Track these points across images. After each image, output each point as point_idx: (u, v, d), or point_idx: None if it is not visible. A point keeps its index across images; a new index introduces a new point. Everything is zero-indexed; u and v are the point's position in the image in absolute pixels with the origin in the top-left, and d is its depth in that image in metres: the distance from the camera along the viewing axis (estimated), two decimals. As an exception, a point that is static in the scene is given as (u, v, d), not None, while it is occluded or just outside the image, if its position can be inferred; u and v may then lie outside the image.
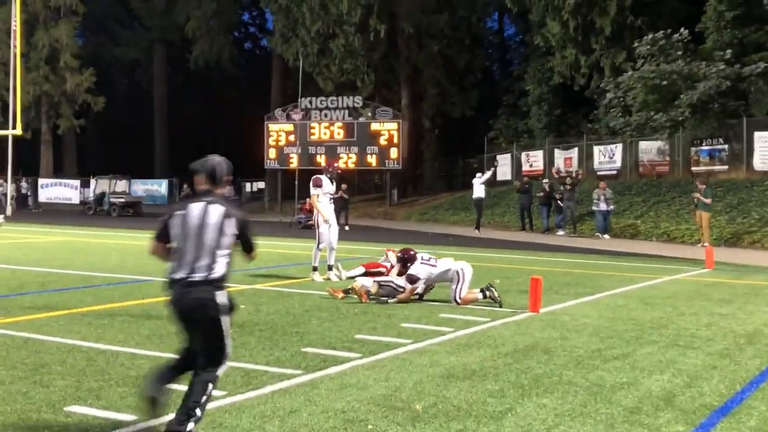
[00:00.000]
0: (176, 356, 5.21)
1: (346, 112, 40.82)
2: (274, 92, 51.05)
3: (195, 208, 4.91)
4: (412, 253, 11.29)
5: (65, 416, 5.22)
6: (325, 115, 41.16)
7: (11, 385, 5.91)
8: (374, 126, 40.42)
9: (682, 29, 28.19)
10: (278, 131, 41.96)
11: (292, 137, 41.49)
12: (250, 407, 5.50)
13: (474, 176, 28.82)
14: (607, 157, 32.84)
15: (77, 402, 5.53)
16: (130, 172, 46.06)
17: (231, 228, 4.92)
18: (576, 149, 34.83)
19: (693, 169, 28.94)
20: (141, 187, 43.17)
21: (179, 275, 4.87)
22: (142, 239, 22.12)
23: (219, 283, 4.90)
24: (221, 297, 4.90)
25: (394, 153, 40.29)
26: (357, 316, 9.34)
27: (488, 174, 28.16)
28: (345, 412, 5.44)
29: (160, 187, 43.29)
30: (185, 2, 52.09)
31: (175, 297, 4.89)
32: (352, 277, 12.09)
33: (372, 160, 40.44)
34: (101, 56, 58.54)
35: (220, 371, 5.02)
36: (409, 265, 10.96)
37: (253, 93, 61.83)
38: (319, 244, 13.04)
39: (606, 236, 24.78)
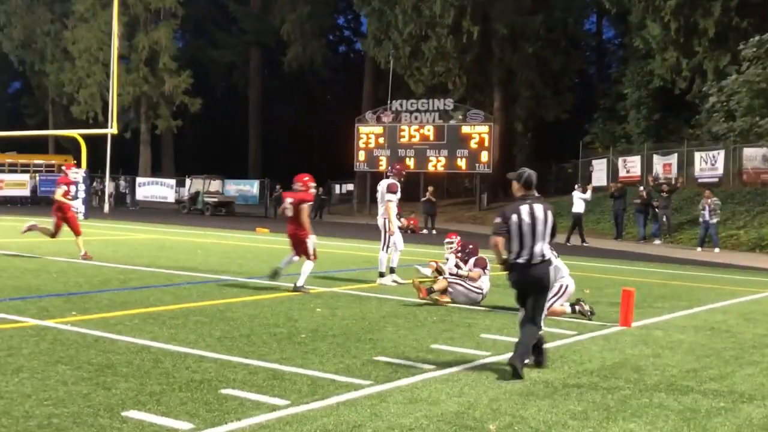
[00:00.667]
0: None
1: (437, 114, 40.38)
2: (366, 95, 51.04)
3: (526, 208, 6.78)
4: (471, 247, 11.17)
5: (121, 421, 5.01)
6: (416, 118, 40.81)
7: (73, 386, 5.77)
8: (465, 129, 39.84)
9: (791, 30, 26.73)
10: (368, 134, 41.83)
11: (381, 140, 41.33)
12: (313, 419, 5.19)
13: (572, 185, 27.84)
14: (709, 163, 31.43)
15: (136, 406, 5.33)
16: (225, 172, 46.91)
17: (551, 218, 6.85)
18: (675, 155, 33.49)
19: (801, 177, 27.43)
20: (234, 188, 43.71)
21: (523, 259, 6.79)
22: (229, 238, 22.32)
23: (549, 263, 6.92)
24: (551, 273, 6.97)
25: (484, 156, 39.62)
26: (435, 324, 8.95)
27: (589, 194, 26.62)
28: (412, 429, 5.06)
29: (252, 187, 43.76)
30: (281, 5, 52.62)
31: (521, 275, 6.84)
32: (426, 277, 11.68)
33: (462, 163, 39.87)
34: (199, 58, 59.77)
35: (541, 323, 6.94)
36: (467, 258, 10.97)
37: (347, 96, 62.17)
38: (386, 247, 12.66)
39: (715, 249, 23.18)
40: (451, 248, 11.59)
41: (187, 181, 43.29)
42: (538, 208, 6.82)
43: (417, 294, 10.37)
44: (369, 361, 6.92)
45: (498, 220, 6.92)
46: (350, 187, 45.73)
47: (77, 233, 15.12)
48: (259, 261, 15.18)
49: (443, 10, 40.50)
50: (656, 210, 26.47)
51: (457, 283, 10.54)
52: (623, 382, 6.52)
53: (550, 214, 6.88)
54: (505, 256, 6.92)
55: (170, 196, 44.90)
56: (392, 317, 9.32)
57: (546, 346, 7.94)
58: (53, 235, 15.32)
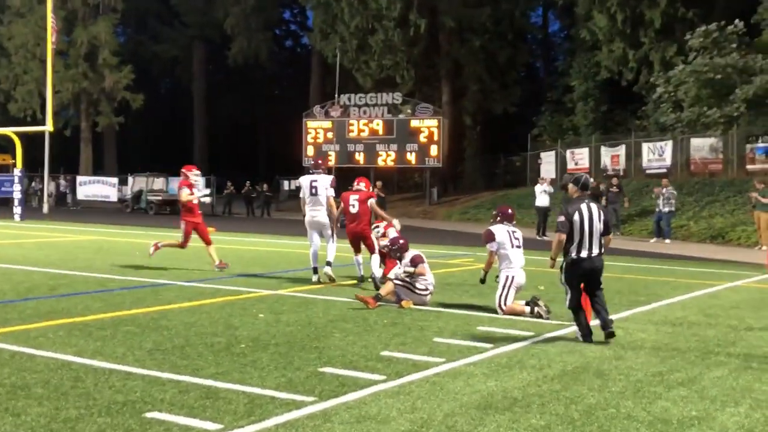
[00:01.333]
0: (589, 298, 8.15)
1: (386, 108, 39.86)
2: (314, 90, 50.37)
3: (585, 207, 7.93)
4: (402, 242, 10.79)
5: (26, 457, 4.38)
6: (364, 112, 40.24)
7: (-24, 414, 5.11)
8: (414, 123, 39.41)
9: (736, 21, 26.78)
10: (317, 128, 41.15)
11: (330, 134, 40.71)
12: (248, 446, 4.62)
13: (520, 178, 27.39)
14: (657, 154, 31.47)
15: (47, 436, 4.70)
16: (171, 169, 45.68)
17: (603, 216, 8.05)
18: (623, 147, 33.49)
19: (748, 167, 27.53)
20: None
21: (584, 254, 7.93)
22: (171, 239, 21.45)
23: (602, 254, 8.09)
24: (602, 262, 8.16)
25: (434, 150, 39.23)
26: (385, 328, 8.42)
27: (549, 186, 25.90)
28: (359, 455, 4.53)
29: (197, 184, 42.74)
30: (224, -1, 51.69)
31: (582, 268, 7.99)
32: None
33: (411, 158, 39.41)
34: (141, 54, 58.40)
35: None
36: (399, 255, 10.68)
37: (295, 91, 61.40)
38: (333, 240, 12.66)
39: (666, 240, 23.04)
40: (378, 233, 12.15)
41: (130, 180, 42.08)
42: (594, 208, 7.97)
43: (366, 306, 9.84)
44: (314, 374, 6.36)
45: (561, 218, 7.93)
46: (298, 182, 44.85)
47: (208, 243, 13.86)
48: (201, 262, 14.47)
49: (390, 3, 40.03)
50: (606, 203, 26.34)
51: (404, 287, 10.05)
52: (587, 389, 6.07)
53: (603, 213, 8.08)
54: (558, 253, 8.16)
55: (113, 195, 43.62)
56: (340, 321, 8.77)
57: (502, 349, 7.48)
58: (183, 245, 13.90)
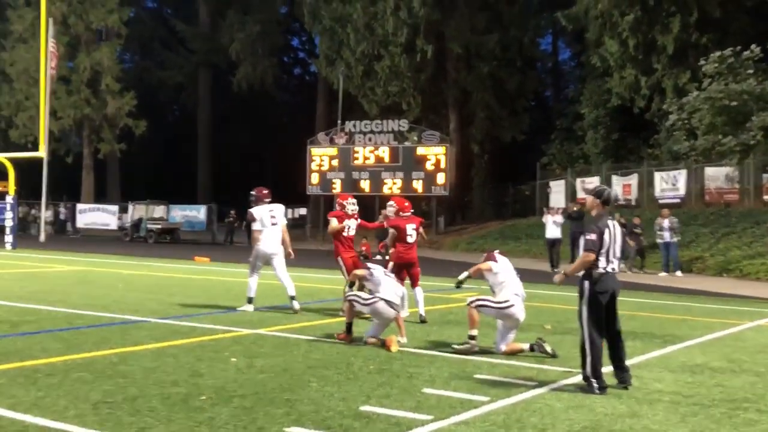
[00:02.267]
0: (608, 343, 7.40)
1: (392, 136, 39.12)
2: (320, 117, 49.73)
3: (611, 225, 7.34)
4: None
5: None
6: (370, 139, 39.51)
7: None
8: (420, 150, 38.63)
9: (753, 46, 25.93)
10: (321, 155, 40.44)
11: (335, 162, 39.98)
12: None
13: (529, 207, 26.23)
14: (670, 184, 30.52)
15: None
16: (175, 197, 45.04)
17: (621, 234, 7.47)
18: (635, 175, 32.56)
19: (765, 197, 26.59)
20: (179, 213, 41.79)
21: (610, 269, 7.30)
22: (162, 269, 20.63)
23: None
24: None
25: (441, 179, 38.40)
26: (370, 376, 7.48)
27: (560, 217, 24.24)
28: None
29: (198, 213, 41.83)
30: (230, 25, 51.18)
31: (610, 283, 7.31)
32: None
33: (418, 186, 38.55)
34: (146, 80, 58.01)
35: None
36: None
37: (302, 118, 60.78)
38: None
39: (677, 273, 22.06)
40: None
41: (130, 207, 41.33)
42: (617, 225, 7.48)
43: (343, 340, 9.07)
44: (276, 437, 5.43)
45: (592, 236, 7.28)
46: (303, 211, 44.11)
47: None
48: (184, 296, 13.58)
49: (396, 29, 39.42)
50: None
51: (370, 303, 9.24)
52: (597, 459, 5.11)
53: (621, 230, 7.57)
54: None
55: (113, 223, 42.89)
56: (321, 368, 7.82)
57: (500, 404, 6.54)
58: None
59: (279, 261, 12.10)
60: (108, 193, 54.66)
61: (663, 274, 22.13)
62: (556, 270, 23.01)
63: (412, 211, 11.70)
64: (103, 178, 54.78)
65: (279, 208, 12.14)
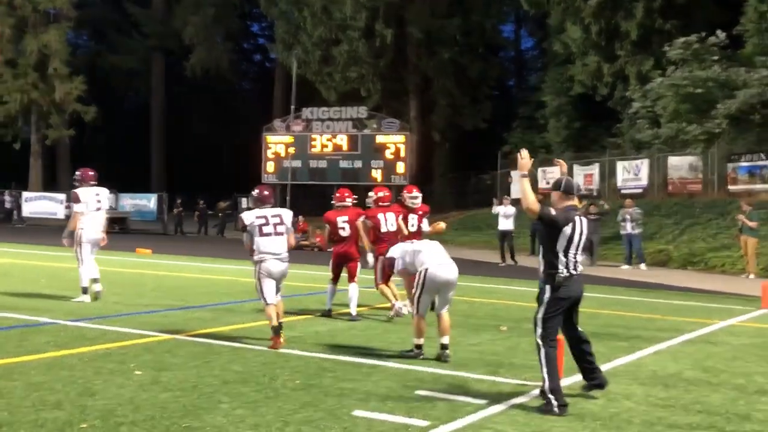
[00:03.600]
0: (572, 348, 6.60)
1: (350, 123, 38.06)
2: (277, 103, 48.38)
3: (578, 221, 6.34)
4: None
5: None
6: (328, 127, 38.43)
7: None
8: (379, 138, 37.65)
9: (718, 31, 25.27)
10: (277, 143, 39.24)
11: (291, 150, 38.76)
12: None
13: (491, 197, 25.11)
14: (632, 173, 29.77)
15: None
16: (130, 186, 43.44)
17: (587, 231, 6.48)
18: (597, 165, 31.78)
19: (730, 188, 25.89)
20: (129, 202, 40.23)
21: (574, 269, 6.32)
22: (98, 261, 19.31)
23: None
24: None
25: (400, 167, 37.48)
26: (294, 394, 6.39)
27: (505, 207, 22.71)
28: None
29: (148, 202, 40.27)
30: (184, 8, 49.53)
31: (574, 288, 6.35)
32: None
33: (377, 174, 37.52)
34: (100, 65, 56.08)
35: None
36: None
37: (262, 106, 59.33)
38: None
39: (641, 266, 21.26)
40: None
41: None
42: (584, 220, 6.47)
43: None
44: (155, 484, 4.34)
45: (551, 212, 6.28)
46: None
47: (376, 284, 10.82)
48: (112, 293, 12.37)
49: (354, 12, 38.29)
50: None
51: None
52: None
53: (588, 231, 6.57)
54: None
55: (60, 212, 41.08)
56: (239, 383, 6.73)
57: (441, 430, 5.51)
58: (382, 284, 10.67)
59: (96, 246, 11.79)
60: (59, 182, 52.76)
61: (625, 267, 21.32)
62: (510, 263, 22.08)
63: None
64: (53, 165, 52.91)
65: (104, 192, 11.85)
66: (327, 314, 10.73)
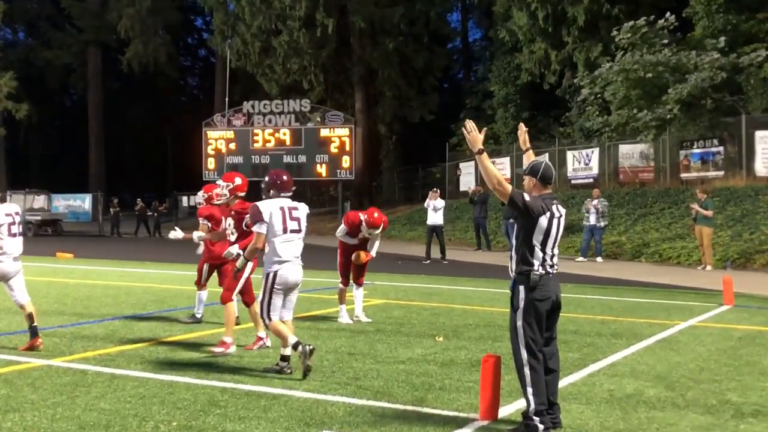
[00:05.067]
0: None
1: (293, 116, 36.60)
2: (218, 98, 46.65)
3: (556, 210, 5.39)
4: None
5: None
6: (270, 121, 36.92)
7: None
8: (324, 132, 36.23)
9: (667, 14, 24.41)
10: (218, 139, 37.63)
11: (233, 145, 37.27)
12: None
13: (441, 191, 23.90)
14: (583, 163, 28.92)
15: None
16: (70, 186, 41.59)
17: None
18: (546, 155, 30.48)
19: (682, 175, 25.16)
20: (63, 203, 38.39)
21: (550, 267, 5.36)
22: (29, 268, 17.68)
23: None
24: None
25: (346, 162, 36.11)
26: (165, 442, 5.07)
27: (432, 201, 21.20)
28: None
29: (83, 202, 38.50)
30: (119, 0, 47.46)
31: (551, 287, 5.36)
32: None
33: (322, 170, 36.14)
34: (33, 60, 53.76)
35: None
36: None
37: (204, 101, 57.56)
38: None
39: (597, 258, 20.40)
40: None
41: (8, 197, 37.68)
42: (562, 210, 5.53)
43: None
44: None
45: (523, 197, 5.30)
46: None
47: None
48: (1, 308, 10.88)
49: (294, 1, 36.86)
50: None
51: None
52: None
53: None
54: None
55: (-12, 215, 39.09)
56: (100, 427, 5.37)
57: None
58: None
59: None
60: (-7, 183, 50.50)
61: (581, 259, 20.37)
62: (443, 259, 20.89)
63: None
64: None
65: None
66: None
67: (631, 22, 24.51)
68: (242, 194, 8.39)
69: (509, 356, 5.73)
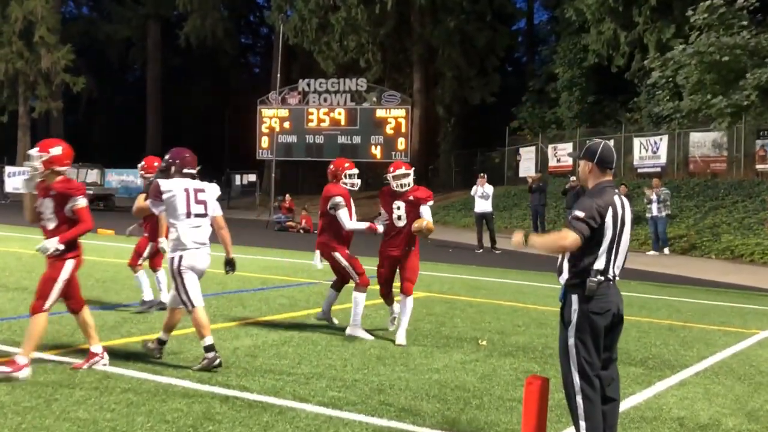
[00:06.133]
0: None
1: (349, 96, 35.69)
2: (275, 74, 46.01)
3: (618, 202, 4.39)
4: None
5: None
6: (325, 100, 36.10)
7: None
8: (380, 112, 35.22)
9: (748, -7, 22.70)
10: (272, 117, 36.93)
11: (287, 124, 36.54)
12: None
13: (500, 176, 22.76)
14: (650, 151, 27.42)
15: None
16: (125, 160, 41.51)
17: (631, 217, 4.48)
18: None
19: (758, 167, 23.55)
20: (116, 178, 38.24)
21: (612, 275, 4.37)
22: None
23: None
24: None
25: (401, 143, 35.08)
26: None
27: (480, 188, 20.19)
28: None
29: (136, 178, 38.29)
30: (177, -26, 47.13)
31: (612, 298, 4.36)
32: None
33: (377, 151, 35.16)
34: (93, 34, 53.82)
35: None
36: None
37: (266, 80, 57.09)
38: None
39: (665, 250, 19.34)
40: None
41: (62, 171, 37.72)
42: (627, 204, 4.48)
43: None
44: None
45: (581, 214, 4.26)
46: (252, 177, 40.61)
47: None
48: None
49: (353, -24, 35.80)
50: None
51: None
52: None
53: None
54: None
55: (45, 188, 39.20)
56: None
57: None
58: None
59: None
60: (51, 156, 50.77)
61: (652, 252, 19.24)
62: (494, 249, 19.77)
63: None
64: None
65: None
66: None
67: (708, 1, 22.84)
68: (63, 168, 6.26)
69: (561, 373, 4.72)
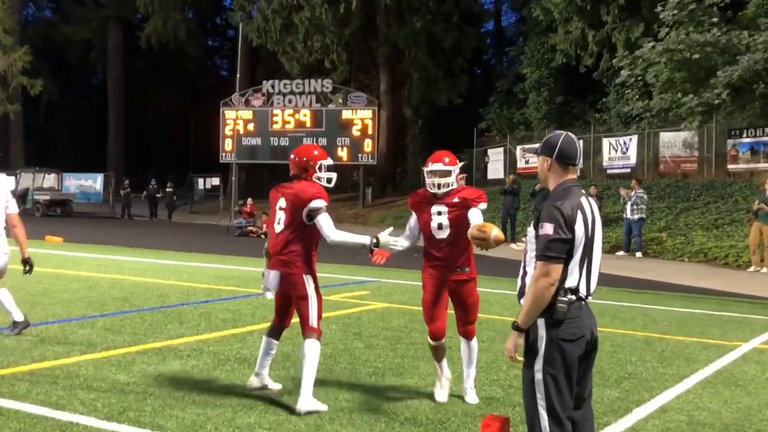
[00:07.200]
0: None
1: (314, 97, 34.93)
2: (241, 76, 45.05)
3: (586, 203, 3.66)
4: None
5: None
6: (290, 101, 35.31)
7: None
8: (346, 114, 34.57)
9: (718, -10, 22.26)
10: (235, 119, 36.07)
11: (251, 126, 35.76)
12: None
13: (467, 178, 22.09)
14: (620, 151, 26.91)
15: None
16: (89, 165, 40.45)
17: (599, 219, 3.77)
18: (581, 143, 28.59)
19: (729, 167, 23.07)
20: (74, 183, 37.07)
21: (585, 291, 3.62)
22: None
23: None
24: None
25: (368, 146, 34.45)
26: None
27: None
28: None
29: (94, 182, 37.14)
30: (138, -25, 46.04)
31: (585, 321, 3.62)
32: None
33: (343, 153, 34.49)
34: (53, 36, 52.52)
35: None
36: None
37: (232, 83, 56.12)
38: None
39: (637, 254, 18.77)
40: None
41: (17, 175, 36.42)
42: (594, 204, 3.71)
43: None
44: None
45: (549, 230, 3.49)
46: (215, 181, 39.63)
47: None
48: None
49: (316, -26, 35.01)
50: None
51: None
52: None
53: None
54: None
55: (6, 194, 37.91)
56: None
57: None
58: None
59: None
60: (11, 160, 49.37)
61: (621, 252, 18.74)
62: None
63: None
64: (6, 143, 49.46)
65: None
66: None
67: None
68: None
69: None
